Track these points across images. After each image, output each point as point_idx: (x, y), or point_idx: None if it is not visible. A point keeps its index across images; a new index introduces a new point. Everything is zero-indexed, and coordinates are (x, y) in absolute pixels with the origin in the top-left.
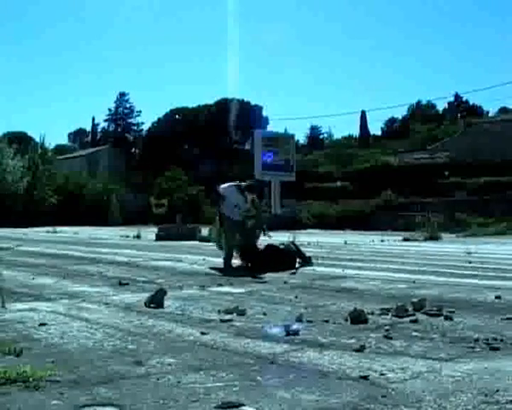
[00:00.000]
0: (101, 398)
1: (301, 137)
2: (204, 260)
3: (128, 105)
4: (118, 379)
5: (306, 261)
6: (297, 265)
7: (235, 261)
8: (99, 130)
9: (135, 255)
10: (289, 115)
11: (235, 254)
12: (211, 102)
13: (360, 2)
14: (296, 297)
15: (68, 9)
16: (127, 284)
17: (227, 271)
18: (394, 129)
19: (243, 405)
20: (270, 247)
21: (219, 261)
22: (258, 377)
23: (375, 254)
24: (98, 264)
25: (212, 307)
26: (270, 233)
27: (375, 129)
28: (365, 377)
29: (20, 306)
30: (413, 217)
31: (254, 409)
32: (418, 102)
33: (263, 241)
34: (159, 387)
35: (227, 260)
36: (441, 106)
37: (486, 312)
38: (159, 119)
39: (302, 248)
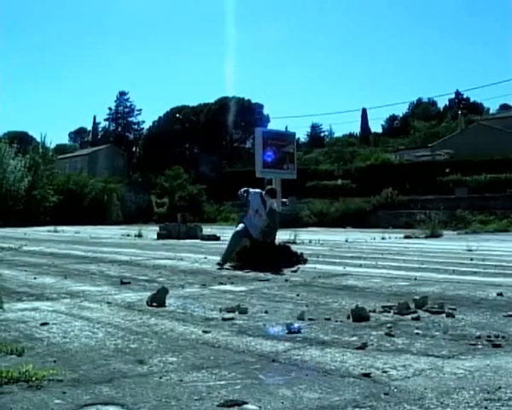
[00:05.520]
0: (103, 397)
1: (302, 135)
2: (205, 258)
3: (128, 104)
4: (120, 378)
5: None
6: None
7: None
8: (100, 129)
9: (136, 254)
10: (290, 113)
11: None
12: (211, 100)
13: None
14: (297, 295)
15: (68, 9)
16: (129, 282)
17: (220, 267)
18: (395, 126)
19: (245, 403)
20: (267, 245)
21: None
22: (261, 376)
23: (377, 251)
24: (99, 263)
25: (213, 306)
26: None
27: (376, 127)
28: (367, 375)
29: (21, 305)
30: (414, 214)
31: (257, 407)
32: (419, 100)
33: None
34: (161, 386)
35: (223, 261)
36: (442, 103)
37: (488, 309)
38: (159, 117)
39: (296, 247)
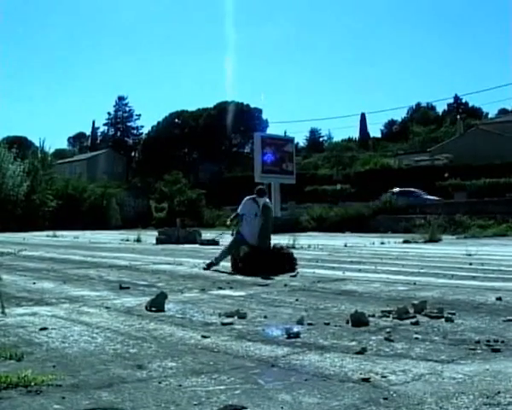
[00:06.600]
0: (102, 402)
1: (301, 139)
2: (204, 263)
3: (127, 109)
4: (119, 383)
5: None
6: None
7: (228, 264)
8: (99, 134)
9: (135, 259)
10: (289, 118)
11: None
12: (210, 105)
13: (359, 4)
14: (297, 300)
15: (67, 13)
16: (128, 287)
17: (207, 269)
18: (394, 131)
19: (245, 408)
20: (264, 250)
21: (220, 264)
22: (260, 380)
23: (376, 256)
24: (98, 268)
25: (212, 311)
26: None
27: (375, 131)
28: (367, 380)
29: (20, 310)
30: (413, 219)
31: None
32: (418, 104)
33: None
34: (160, 391)
35: (215, 262)
36: (441, 108)
37: (487, 313)
38: (158, 122)
39: (295, 252)
